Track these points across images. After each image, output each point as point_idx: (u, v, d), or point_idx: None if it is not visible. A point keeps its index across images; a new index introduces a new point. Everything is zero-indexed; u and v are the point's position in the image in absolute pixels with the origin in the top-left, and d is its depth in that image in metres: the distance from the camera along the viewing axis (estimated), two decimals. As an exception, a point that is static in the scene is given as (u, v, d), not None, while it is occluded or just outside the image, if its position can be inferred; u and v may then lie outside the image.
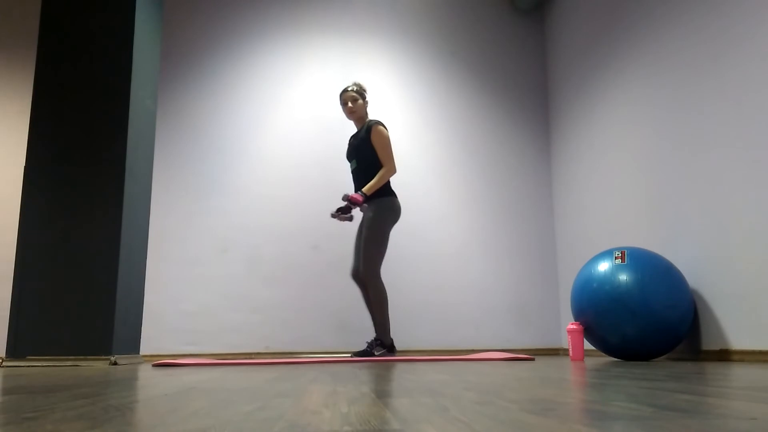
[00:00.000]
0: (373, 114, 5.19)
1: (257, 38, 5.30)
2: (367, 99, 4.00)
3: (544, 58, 5.40)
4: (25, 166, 3.59)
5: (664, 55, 3.60)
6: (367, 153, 3.84)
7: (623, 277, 3.04)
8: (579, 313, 3.22)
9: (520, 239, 5.08)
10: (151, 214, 4.86)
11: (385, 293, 3.71)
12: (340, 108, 5.19)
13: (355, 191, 3.89)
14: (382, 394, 1.19)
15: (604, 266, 3.15)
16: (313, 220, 4.98)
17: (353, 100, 3.94)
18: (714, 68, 3.15)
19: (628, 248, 3.19)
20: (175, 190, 4.99)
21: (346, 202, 3.71)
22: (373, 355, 3.64)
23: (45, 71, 3.66)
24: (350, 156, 3.97)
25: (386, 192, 3.82)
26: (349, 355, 4.43)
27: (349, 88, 3.96)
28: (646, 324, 2.96)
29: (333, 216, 3.78)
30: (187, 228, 4.94)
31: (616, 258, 3.14)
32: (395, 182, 5.03)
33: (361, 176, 3.85)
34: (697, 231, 3.26)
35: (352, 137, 4.01)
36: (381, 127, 3.84)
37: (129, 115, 3.62)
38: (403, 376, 1.83)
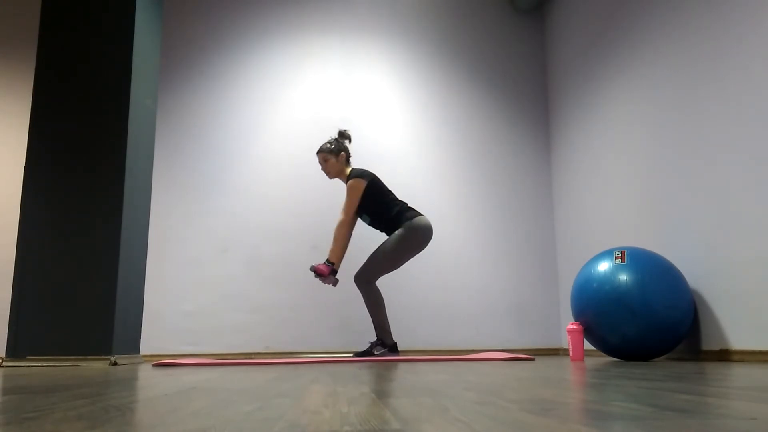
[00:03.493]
0: (372, 114, 5.19)
1: (257, 38, 5.30)
2: (342, 153, 3.93)
3: (544, 58, 5.40)
4: (25, 166, 3.58)
5: (664, 55, 3.60)
6: (368, 204, 3.86)
7: (623, 277, 3.04)
8: (579, 313, 3.22)
9: (520, 239, 5.08)
10: (152, 214, 4.86)
11: (380, 295, 3.79)
12: (340, 109, 5.19)
13: (387, 234, 3.91)
14: (382, 394, 1.19)
15: (604, 266, 3.15)
16: (312, 219, 4.98)
17: (324, 161, 3.93)
18: (714, 68, 3.15)
19: (628, 248, 3.19)
20: (176, 190, 4.99)
21: (312, 273, 3.68)
22: (373, 354, 3.68)
23: (45, 71, 3.66)
24: (358, 214, 3.95)
25: (411, 215, 3.82)
26: (351, 355, 4.44)
27: (322, 149, 3.93)
28: (646, 324, 2.96)
29: (314, 275, 3.75)
30: (187, 228, 4.94)
31: (616, 258, 3.14)
32: (395, 183, 5.03)
33: (379, 225, 3.90)
34: (697, 231, 3.26)
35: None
36: (355, 180, 3.82)
37: (129, 115, 3.62)
38: (403, 376, 1.83)
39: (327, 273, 3.69)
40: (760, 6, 2.83)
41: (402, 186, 5.02)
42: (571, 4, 4.88)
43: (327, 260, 3.75)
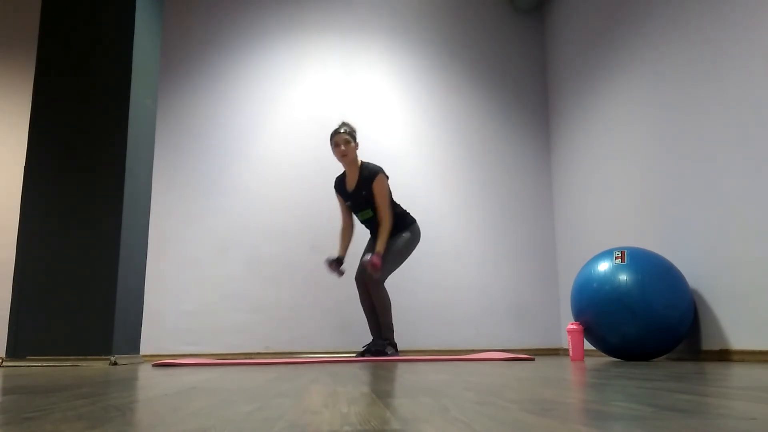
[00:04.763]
0: (372, 114, 5.18)
1: (257, 38, 5.30)
2: (357, 141, 3.96)
3: (544, 58, 5.40)
4: (25, 166, 3.58)
5: (664, 55, 3.60)
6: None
7: (623, 277, 3.04)
8: (579, 313, 3.22)
9: (520, 239, 5.08)
10: (152, 214, 4.86)
11: (389, 297, 3.90)
12: (339, 109, 5.19)
13: (375, 231, 4.02)
14: (382, 394, 1.19)
15: (604, 266, 3.15)
16: (312, 220, 4.98)
17: (346, 143, 3.87)
18: (714, 68, 3.15)
19: (628, 248, 3.19)
20: (175, 190, 4.99)
21: (367, 267, 3.78)
22: (387, 354, 3.78)
23: (45, 71, 3.66)
24: (361, 206, 3.94)
25: (412, 219, 4.02)
26: (355, 355, 4.45)
27: (342, 130, 3.90)
28: (646, 324, 2.96)
29: (327, 264, 3.94)
30: (187, 228, 4.94)
31: (616, 258, 3.14)
32: (395, 183, 5.03)
33: (377, 223, 3.94)
34: (697, 231, 3.26)
35: (352, 188, 3.95)
36: (381, 177, 3.86)
37: (129, 115, 3.62)
38: (403, 376, 1.83)
39: (381, 263, 3.78)
40: (760, 6, 2.83)
41: (402, 186, 5.02)
42: (571, 4, 4.88)
43: (378, 253, 3.78)
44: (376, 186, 3.84)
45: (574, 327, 3.21)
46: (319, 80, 5.24)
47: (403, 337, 4.77)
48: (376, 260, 3.70)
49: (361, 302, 4.02)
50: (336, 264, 3.95)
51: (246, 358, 4.54)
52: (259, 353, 4.71)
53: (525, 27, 5.44)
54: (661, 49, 3.63)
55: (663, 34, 3.61)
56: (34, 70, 3.83)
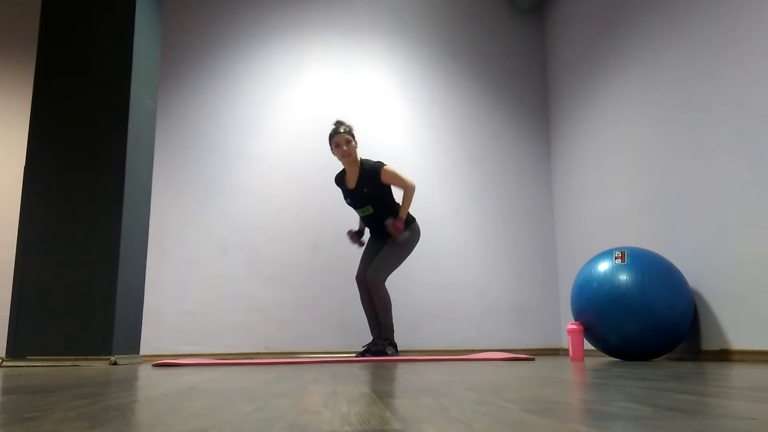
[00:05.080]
0: (372, 114, 5.18)
1: (257, 38, 5.29)
2: (356, 139, 3.96)
3: (544, 58, 5.40)
4: (25, 166, 3.58)
5: (664, 55, 3.60)
6: (382, 195, 3.90)
7: (623, 277, 3.04)
8: (579, 313, 3.22)
9: (520, 239, 5.08)
10: (151, 214, 4.86)
11: (390, 297, 3.90)
12: (339, 109, 5.19)
13: (374, 229, 4.03)
14: (382, 394, 1.19)
15: (604, 266, 3.15)
16: (313, 220, 4.97)
17: (347, 143, 3.87)
18: (714, 67, 3.15)
19: (628, 248, 3.19)
20: (175, 190, 4.99)
21: (389, 230, 3.79)
22: (387, 354, 3.78)
23: (45, 71, 3.66)
24: (361, 203, 3.93)
25: (412, 218, 4.02)
26: (354, 355, 4.45)
27: (341, 130, 3.89)
28: (646, 324, 2.96)
29: (349, 235, 4.04)
30: (187, 228, 4.94)
31: (616, 258, 3.14)
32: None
33: (381, 217, 3.92)
34: (697, 231, 3.26)
35: (352, 186, 3.94)
36: (386, 166, 3.86)
37: (129, 115, 3.62)
38: (403, 376, 1.83)
39: (402, 228, 3.81)
40: (760, 6, 2.83)
41: (402, 186, 5.02)
42: (571, 4, 4.88)
43: (400, 217, 3.81)
44: (387, 178, 3.84)
45: (574, 327, 3.21)
46: (319, 80, 5.24)
47: (403, 337, 4.77)
48: (400, 224, 3.75)
49: (361, 302, 4.02)
50: (357, 235, 4.05)
51: (246, 358, 4.54)
52: (259, 353, 4.71)
53: (525, 27, 5.44)
54: (660, 49, 3.63)
55: (663, 34, 3.61)
56: (34, 70, 3.83)
